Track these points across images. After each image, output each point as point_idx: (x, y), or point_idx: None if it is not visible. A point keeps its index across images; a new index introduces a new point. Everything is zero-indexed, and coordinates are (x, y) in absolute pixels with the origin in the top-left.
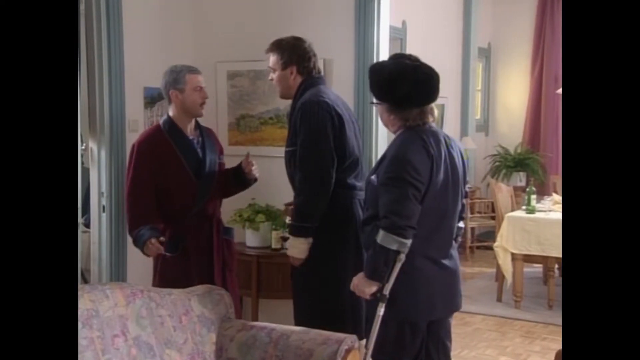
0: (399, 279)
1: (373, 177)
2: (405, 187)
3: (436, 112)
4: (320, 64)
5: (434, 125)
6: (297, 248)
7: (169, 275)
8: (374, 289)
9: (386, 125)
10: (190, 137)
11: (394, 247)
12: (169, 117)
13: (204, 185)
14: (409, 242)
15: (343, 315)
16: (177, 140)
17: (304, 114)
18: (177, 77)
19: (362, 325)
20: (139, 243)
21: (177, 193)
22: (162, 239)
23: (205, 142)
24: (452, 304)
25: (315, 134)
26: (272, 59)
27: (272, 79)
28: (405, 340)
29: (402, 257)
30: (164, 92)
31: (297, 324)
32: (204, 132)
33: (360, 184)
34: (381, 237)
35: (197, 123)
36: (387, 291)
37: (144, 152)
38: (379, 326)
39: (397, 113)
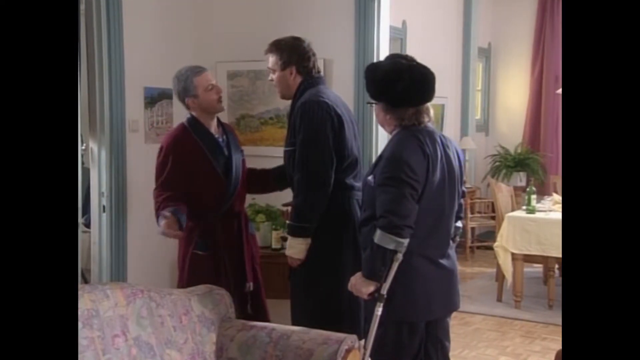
0: (396, 279)
1: (370, 177)
2: (402, 186)
3: (432, 112)
4: (320, 64)
5: (429, 125)
6: (295, 248)
7: (199, 273)
8: (371, 288)
9: (382, 125)
10: (216, 136)
11: (391, 246)
12: (192, 116)
13: (232, 183)
14: (406, 241)
15: (341, 315)
16: (204, 140)
17: (304, 114)
18: (185, 84)
19: (360, 325)
20: (159, 223)
21: (206, 192)
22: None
23: (230, 140)
24: (450, 303)
25: (314, 134)
26: (272, 59)
27: (271, 80)
28: (403, 341)
29: (400, 256)
30: (180, 101)
31: (294, 324)
32: (227, 130)
33: (359, 184)
34: (378, 236)
35: (218, 120)
36: (384, 291)
37: (175, 152)
38: (377, 326)
39: (392, 113)
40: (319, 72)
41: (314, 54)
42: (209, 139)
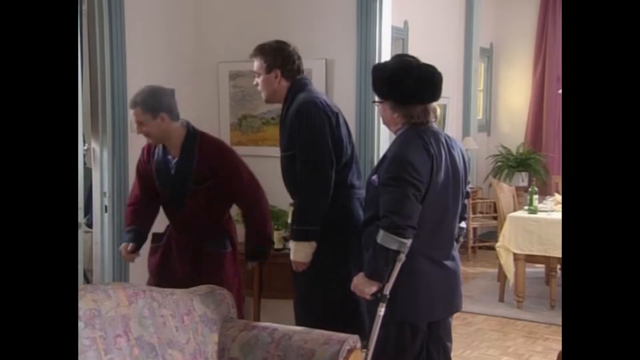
0: (399, 280)
1: (374, 177)
2: (406, 186)
3: (438, 111)
4: (322, 65)
5: (434, 125)
6: (301, 252)
7: (151, 264)
8: (374, 289)
9: (388, 124)
10: (169, 157)
11: (394, 246)
12: None
13: (172, 210)
14: (408, 242)
15: (346, 316)
16: (156, 160)
17: (302, 116)
18: None
19: (365, 326)
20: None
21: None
22: (132, 247)
23: (181, 163)
24: (452, 304)
25: (315, 135)
26: (256, 63)
27: (256, 84)
28: (405, 341)
29: (402, 257)
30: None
31: (297, 324)
32: (187, 150)
33: (359, 182)
34: (381, 236)
35: (187, 136)
36: (387, 291)
37: (138, 162)
38: (379, 326)
39: (400, 110)
40: (304, 74)
41: (299, 57)
42: (158, 160)
